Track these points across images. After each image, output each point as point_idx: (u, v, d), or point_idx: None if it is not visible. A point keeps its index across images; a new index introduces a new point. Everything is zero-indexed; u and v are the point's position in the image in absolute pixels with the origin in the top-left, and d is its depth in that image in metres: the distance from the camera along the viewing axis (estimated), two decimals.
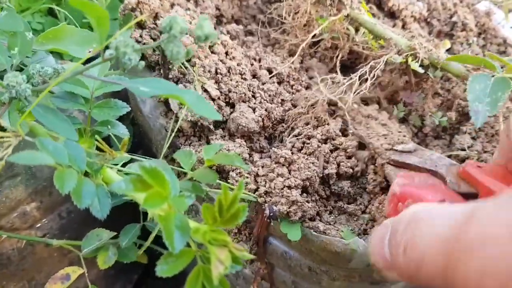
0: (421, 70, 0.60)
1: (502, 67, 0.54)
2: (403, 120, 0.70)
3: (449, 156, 0.65)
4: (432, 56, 0.60)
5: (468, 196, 0.52)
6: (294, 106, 0.68)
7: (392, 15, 0.77)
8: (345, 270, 0.59)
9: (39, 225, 0.72)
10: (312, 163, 0.58)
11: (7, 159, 0.39)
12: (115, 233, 0.67)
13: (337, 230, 0.57)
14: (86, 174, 0.44)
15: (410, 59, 0.61)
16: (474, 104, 0.53)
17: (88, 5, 0.33)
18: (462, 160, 0.66)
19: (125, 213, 0.69)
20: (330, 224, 0.58)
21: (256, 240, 0.61)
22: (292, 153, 0.59)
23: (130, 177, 0.35)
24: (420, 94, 0.67)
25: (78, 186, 0.39)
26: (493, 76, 0.54)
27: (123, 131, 0.51)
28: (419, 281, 0.30)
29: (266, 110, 0.64)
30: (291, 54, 0.73)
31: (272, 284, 0.68)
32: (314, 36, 0.68)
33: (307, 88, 0.71)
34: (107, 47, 0.38)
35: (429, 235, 0.29)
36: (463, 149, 0.66)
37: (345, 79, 0.62)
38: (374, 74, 0.59)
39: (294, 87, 0.70)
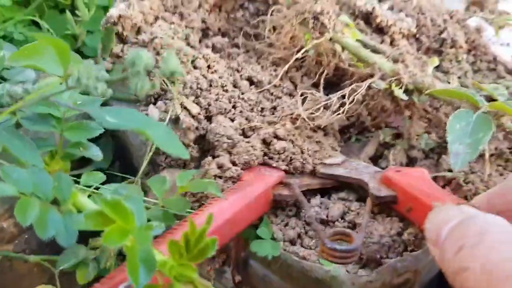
0: (405, 97, 0.59)
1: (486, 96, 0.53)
2: (391, 145, 0.69)
3: (434, 178, 0.64)
4: (417, 81, 0.59)
5: (388, 199, 0.56)
6: (273, 114, 0.66)
7: (380, 31, 0.76)
8: None
9: (17, 240, 0.70)
10: None
11: None
12: (94, 250, 0.66)
13: (318, 255, 0.55)
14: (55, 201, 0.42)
15: (394, 84, 0.59)
16: (454, 146, 0.52)
17: (50, 40, 0.32)
18: (448, 181, 0.65)
19: None
20: (310, 249, 0.56)
21: (235, 264, 0.60)
22: None
23: (89, 212, 0.34)
24: (405, 117, 0.66)
25: (43, 216, 0.38)
26: (476, 111, 0.53)
27: (96, 153, 0.49)
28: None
29: (246, 119, 0.64)
30: (276, 64, 0.72)
31: None
32: (299, 51, 0.67)
33: (290, 95, 0.70)
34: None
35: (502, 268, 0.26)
36: (450, 170, 0.65)
37: (324, 98, 0.61)
38: (354, 98, 0.58)
39: (274, 94, 0.69)
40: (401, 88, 0.59)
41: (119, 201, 0.34)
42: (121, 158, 0.76)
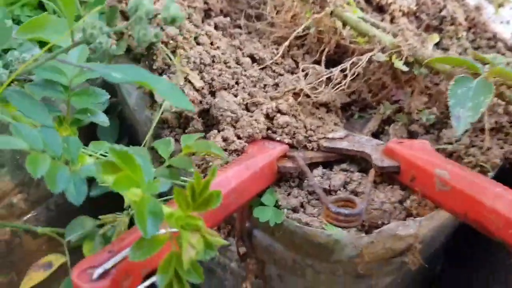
0: (405, 68, 0.60)
1: (485, 64, 0.54)
2: (392, 121, 0.70)
3: (436, 150, 0.65)
4: (416, 54, 0.60)
5: (391, 169, 0.57)
6: (276, 91, 0.68)
7: (380, 9, 0.77)
8: (329, 263, 0.59)
9: (26, 217, 0.72)
10: None
11: None
12: (100, 222, 0.67)
13: (321, 222, 0.56)
14: (66, 163, 0.44)
15: (394, 57, 0.60)
16: (455, 110, 0.53)
17: None
18: (449, 154, 0.66)
19: (113, 204, 0.69)
20: (313, 216, 0.57)
21: (240, 235, 0.61)
22: None
23: (100, 160, 0.35)
24: (407, 92, 0.67)
25: (52, 171, 0.39)
26: (476, 78, 0.54)
27: (103, 119, 0.51)
28: None
29: (249, 94, 0.65)
30: (277, 43, 0.73)
31: (265, 282, 0.67)
32: (300, 29, 0.68)
33: (292, 73, 0.71)
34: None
35: None
36: (451, 143, 0.66)
37: (325, 71, 0.62)
38: (355, 71, 0.59)
39: (276, 71, 0.70)
40: (401, 60, 0.60)
41: (128, 152, 0.36)
42: (126, 136, 0.77)
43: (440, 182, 0.52)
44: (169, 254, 0.38)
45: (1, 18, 0.51)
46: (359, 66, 0.61)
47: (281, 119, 0.62)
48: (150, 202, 0.38)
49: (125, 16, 0.67)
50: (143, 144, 0.59)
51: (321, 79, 0.63)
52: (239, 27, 0.80)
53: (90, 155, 0.49)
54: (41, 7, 0.84)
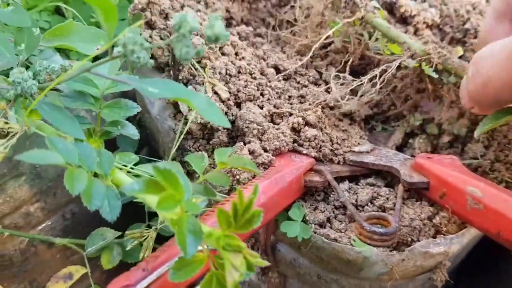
0: (435, 75, 0.59)
1: None
2: (415, 134, 0.69)
3: None
4: (446, 62, 0.59)
5: (420, 185, 0.56)
6: (301, 102, 0.67)
7: (404, 21, 0.76)
8: (356, 279, 0.58)
9: (42, 226, 0.71)
10: None
11: (15, 157, 0.38)
12: (120, 233, 0.66)
13: (349, 238, 0.55)
14: (95, 175, 0.43)
15: (424, 64, 0.60)
16: None
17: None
18: (474, 169, 0.66)
19: (129, 212, 0.68)
20: (341, 232, 0.56)
21: (264, 249, 0.60)
22: None
23: (143, 179, 0.34)
24: (437, 103, 0.66)
25: (88, 187, 0.38)
26: None
27: (133, 131, 0.50)
28: (487, 97, 0.44)
29: (274, 106, 0.64)
30: (300, 53, 0.72)
31: None
32: (326, 38, 0.67)
33: (316, 84, 0.70)
34: (115, 45, 0.37)
35: (490, 58, 0.43)
36: (476, 158, 0.65)
37: (354, 80, 0.61)
38: (384, 78, 0.58)
39: (300, 82, 0.70)
40: (431, 67, 0.59)
41: (171, 170, 0.35)
42: (146, 145, 0.76)
43: (473, 200, 0.51)
44: (210, 274, 0.37)
45: (29, 26, 0.50)
46: (388, 73, 0.60)
47: (309, 132, 0.61)
48: (190, 221, 0.37)
49: (148, 25, 0.66)
50: (169, 157, 0.58)
51: (349, 89, 0.62)
52: (260, 35, 0.79)
53: (120, 168, 0.48)
54: (58, 11, 0.83)
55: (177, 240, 0.36)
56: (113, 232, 0.63)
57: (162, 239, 0.60)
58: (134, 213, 0.68)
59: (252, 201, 0.37)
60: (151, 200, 0.37)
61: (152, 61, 0.39)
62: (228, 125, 0.39)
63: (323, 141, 0.61)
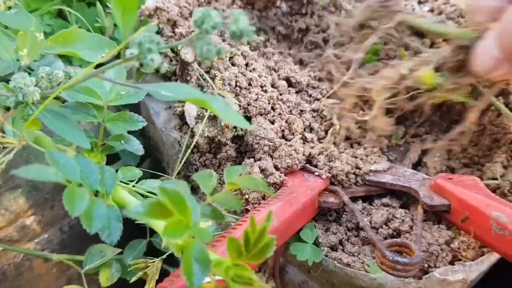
0: None
1: None
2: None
3: None
4: None
5: (440, 207, 0.53)
6: (313, 117, 0.64)
7: (420, 33, 0.73)
8: None
9: (38, 239, 0.67)
10: None
11: (11, 172, 0.35)
12: (120, 250, 0.63)
13: (362, 262, 0.52)
14: (95, 193, 0.40)
15: None
16: None
17: None
18: (493, 190, 0.62)
19: (130, 228, 0.65)
20: (353, 256, 0.53)
21: (271, 272, 0.56)
22: None
23: (149, 202, 0.31)
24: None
25: (89, 208, 0.35)
26: None
27: (137, 146, 0.47)
28: None
29: (286, 121, 0.61)
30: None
31: None
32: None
33: (329, 98, 0.67)
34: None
35: None
36: (495, 178, 0.62)
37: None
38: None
39: (313, 95, 0.67)
40: None
41: (180, 193, 0.32)
42: (148, 156, 0.73)
43: (497, 226, 0.48)
44: None
45: (33, 30, 0.47)
46: None
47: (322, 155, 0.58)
48: (197, 247, 0.34)
49: (156, 33, 0.63)
50: (175, 172, 0.55)
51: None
52: (271, 45, 0.76)
53: (121, 185, 0.45)
54: (61, 15, 0.80)
55: (183, 270, 0.33)
56: (112, 249, 0.60)
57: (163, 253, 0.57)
58: (134, 229, 0.66)
59: (266, 229, 0.34)
60: (156, 224, 0.34)
61: (166, 64, 0.36)
62: (249, 127, 0.36)
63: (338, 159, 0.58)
